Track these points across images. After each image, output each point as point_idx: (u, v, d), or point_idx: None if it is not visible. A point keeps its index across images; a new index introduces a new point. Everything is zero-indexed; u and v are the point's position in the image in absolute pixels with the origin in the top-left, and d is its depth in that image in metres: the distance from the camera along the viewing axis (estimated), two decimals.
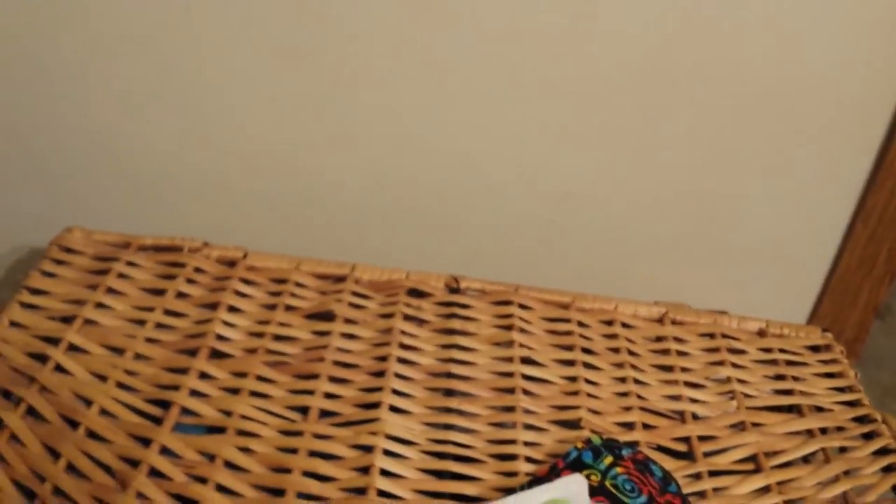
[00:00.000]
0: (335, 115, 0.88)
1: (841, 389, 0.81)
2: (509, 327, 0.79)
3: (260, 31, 0.83)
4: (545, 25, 0.83)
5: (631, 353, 0.80)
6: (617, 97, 0.87)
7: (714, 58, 0.85)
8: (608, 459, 0.65)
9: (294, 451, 0.63)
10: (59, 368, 0.67)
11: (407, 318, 0.79)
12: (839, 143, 0.91)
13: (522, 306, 0.83)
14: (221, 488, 0.60)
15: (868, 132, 0.91)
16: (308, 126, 0.88)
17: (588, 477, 0.63)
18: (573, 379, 0.75)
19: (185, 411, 0.66)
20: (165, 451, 0.62)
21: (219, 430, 0.65)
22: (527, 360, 0.77)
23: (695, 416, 0.76)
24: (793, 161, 0.92)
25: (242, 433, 0.64)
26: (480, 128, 0.89)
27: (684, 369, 0.80)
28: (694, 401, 0.77)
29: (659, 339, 0.83)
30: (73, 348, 0.70)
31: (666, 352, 0.81)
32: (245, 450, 0.63)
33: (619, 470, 0.64)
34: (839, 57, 0.86)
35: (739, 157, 0.92)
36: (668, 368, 0.80)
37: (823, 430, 0.76)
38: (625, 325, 0.84)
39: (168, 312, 0.75)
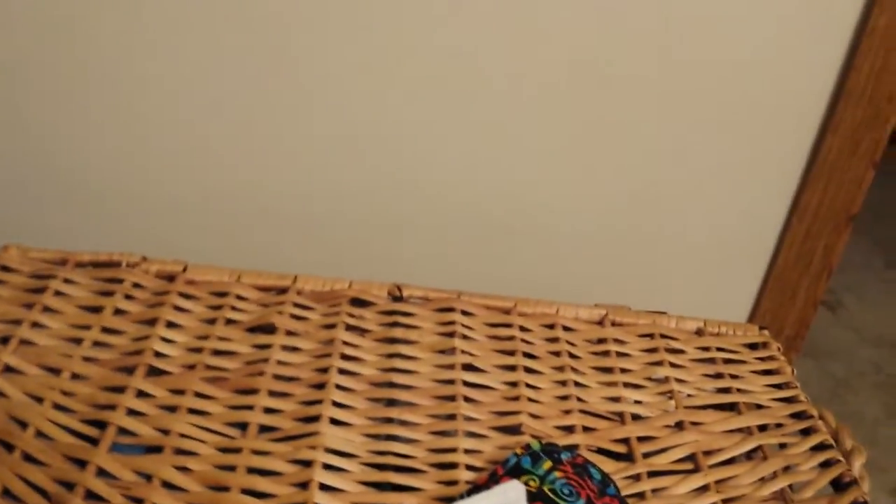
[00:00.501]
0: (273, 124, 0.87)
1: (778, 386, 0.83)
2: (451, 334, 0.80)
3: (204, 36, 0.82)
4: (492, 31, 0.83)
5: (572, 355, 0.81)
6: (556, 100, 0.88)
7: (650, 60, 0.86)
8: (547, 464, 0.65)
9: (232, 468, 0.63)
10: None
11: (349, 328, 0.79)
12: (773, 141, 0.93)
13: (465, 313, 0.83)
14: None
15: (801, 129, 0.93)
16: (247, 136, 0.88)
17: (527, 483, 0.63)
18: (514, 384, 0.76)
19: (122, 431, 0.65)
20: (102, 472, 0.62)
21: (156, 449, 0.64)
22: (468, 367, 0.77)
23: (634, 417, 0.77)
24: (728, 160, 0.94)
25: (180, 452, 0.64)
26: (422, 133, 0.89)
27: (624, 370, 0.81)
28: (634, 402, 0.78)
29: (599, 341, 0.84)
30: (8, 370, 0.69)
31: (606, 353, 0.83)
32: (183, 469, 0.63)
33: (557, 474, 0.65)
34: (772, 54, 0.87)
35: (675, 158, 0.93)
36: (608, 370, 0.81)
37: (762, 428, 0.78)
38: (566, 329, 0.85)
39: (105, 330, 0.74)
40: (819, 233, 0.99)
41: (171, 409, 0.67)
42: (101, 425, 0.65)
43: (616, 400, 0.78)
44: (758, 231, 0.99)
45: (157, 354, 0.72)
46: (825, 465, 0.74)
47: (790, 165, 0.95)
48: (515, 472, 0.65)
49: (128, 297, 0.77)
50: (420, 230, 0.95)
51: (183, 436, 0.65)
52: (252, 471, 0.63)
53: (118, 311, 0.76)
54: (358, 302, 0.83)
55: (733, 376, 0.83)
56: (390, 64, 0.85)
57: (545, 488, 0.63)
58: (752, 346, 0.88)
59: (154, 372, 0.71)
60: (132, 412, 0.67)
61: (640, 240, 0.98)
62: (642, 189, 0.94)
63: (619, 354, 0.83)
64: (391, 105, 0.87)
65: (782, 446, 0.76)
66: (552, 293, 0.91)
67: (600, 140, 0.91)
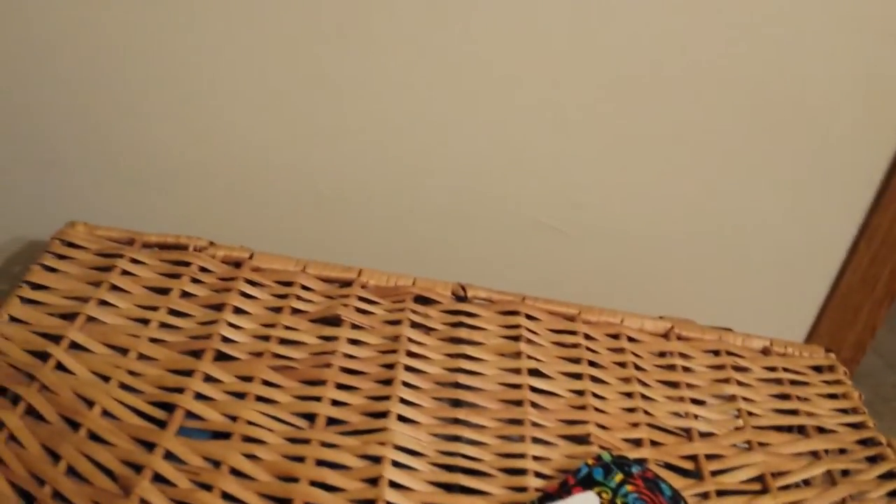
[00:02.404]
0: (345, 116, 0.86)
1: (845, 411, 0.81)
2: (517, 338, 0.79)
3: (267, 26, 0.81)
4: (554, 33, 0.82)
5: (637, 367, 0.80)
6: (628, 110, 0.87)
7: (726, 76, 0.85)
8: (619, 477, 0.64)
9: (301, 459, 0.62)
10: (60, 367, 0.66)
11: (414, 325, 0.78)
12: (846, 163, 0.92)
13: (529, 317, 0.82)
14: (227, 496, 0.59)
15: (875, 152, 0.91)
16: (316, 126, 0.87)
17: (599, 494, 0.62)
18: (581, 393, 0.75)
19: (190, 415, 0.64)
20: (170, 455, 0.61)
21: (224, 435, 0.63)
22: (534, 372, 0.76)
23: (701, 434, 0.75)
24: (800, 178, 0.92)
25: (248, 439, 0.63)
26: (490, 135, 0.88)
27: (690, 385, 0.79)
28: (700, 418, 0.76)
29: (664, 354, 0.83)
30: (74, 346, 0.68)
31: (672, 367, 0.81)
32: (251, 457, 0.62)
33: (629, 488, 0.63)
34: (850, 75, 0.85)
35: (747, 174, 0.91)
36: (674, 384, 0.79)
37: (828, 452, 0.76)
38: (630, 339, 0.84)
39: (172, 312, 0.73)
40: (886, 257, 0.97)
41: (240, 395, 0.66)
42: (169, 408, 0.64)
43: (683, 415, 0.76)
44: (824, 251, 0.97)
45: (225, 340, 0.71)
46: (894, 494, 0.72)
47: (862, 187, 0.93)
48: (587, 482, 0.63)
49: (194, 280, 0.77)
50: (486, 232, 0.94)
51: (251, 423, 0.64)
52: (321, 463, 0.62)
53: (185, 294, 0.75)
54: (422, 299, 0.81)
55: (800, 398, 0.81)
56: (461, 67, 0.84)
57: (618, 501, 0.62)
58: (818, 369, 0.86)
59: (221, 357, 0.70)
60: (200, 396, 0.66)
61: (704, 252, 0.96)
62: (711, 202, 0.93)
63: (685, 369, 0.81)
64: (463, 110, 0.86)
65: (848, 472, 0.74)
66: (614, 302, 0.90)
67: (672, 152, 0.89)
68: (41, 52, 0.83)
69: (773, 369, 0.84)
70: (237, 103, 0.86)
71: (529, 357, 0.77)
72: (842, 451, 0.77)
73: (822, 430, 0.78)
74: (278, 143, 0.88)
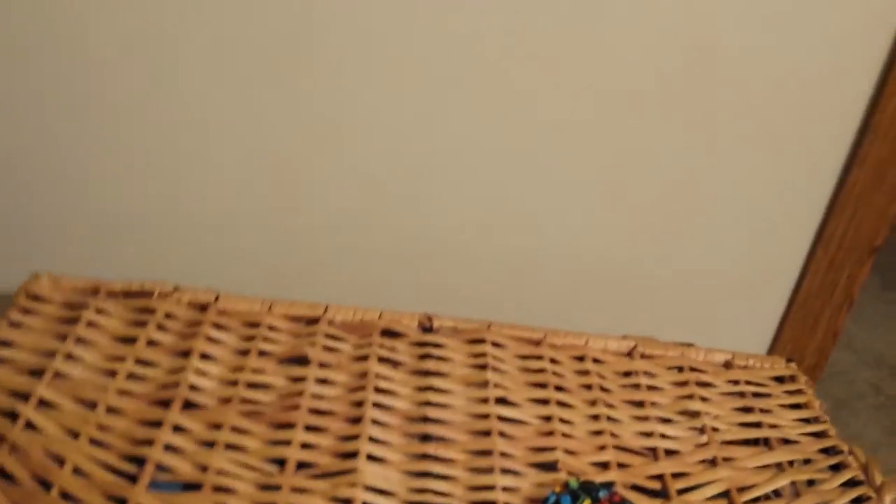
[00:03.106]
0: (305, 154, 0.87)
1: (807, 420, 0.83)
2: (483, 366, 0.80)
3: (225, 68, 0.82)
4: (516, 67, 0.83)
5: (603, 389, 0.81)
6: (583, 135, 0.88)
7: (674, 92, 0.86)
8: (586, 502, 0.65)
9: None
10: (30, 426, 0.66)
11: (382, 360, 0.79)
12: (800, 172, 0.94)
13: (495, 344, 0.83)
14: None
15: (827, 161, 0.93)
16: (277, 165, 0.88)
17: None
18: (548, 418, 0.76)
19: (160, 468, 0.65)
20: None
21: (195, 486, 0.64)
22: (502, 401, 0.77)
23: (667, 452, 0.77)
24: (755, 190, 0.94)
25: (219, 489, 0.64)
26: (451, 164, 0.89)
27: (654, 404, 0.81)
28: (666, 436, 0.78)
29: (628, 373, 0.84)
30: (43, 403, 0.68)
31: (636, 386, 0.83)
32: None
33: None
34: (799, 87, 0.88)
35: (701, 188, 0.93)
36: (640, 404, 0.81)
37: (792, 463, 0.78)
38: (595, 361, 0.85)
39: (140, 362, 0.74)
40: (843, 264, 1.00)
41: (209, 444, 0.67)
42: (139, 461, 0.65)
43: (649, 434, 0.78)
44: (782, 260, 0.99)
45: (193, 387, 0.72)
46: (857, 501, 0.74)
47: (816, 197, 0.95)
48: None
49: (160, 327, 0.77)
50: (451, 261, 0.95)
51: (221, 472, 0.65)
52: None
53: (151, 343, 0.76)
54: (389, 333, 0.82)
55: (763, 410, 0.83)
56: (423, 100, 0.85)
57: None
58: (780, 380, 0.88)
59: (190, 405, 0.70)
60: (169, 447, 0.66)
61: (663, 269, 0.98)
62: (666, 219, 0.94)
63: (650, 387, 0.83)
64: (424, 142, 0.87)
65: (812, 482, 0.76)
66: (579, 324, 0.91)
67: (627, 173, 0.91)
68: (1, 106, 0.83)
69: (735, 382, 0.86)
70: (198, 145, 0.86)
71: (497, 385, 0.78)
72: (806, 462, 0.78)
73: (785, 441, 0.80)
74: (239, 182, 0.89)
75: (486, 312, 0.93)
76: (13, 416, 0.66)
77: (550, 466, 0.71)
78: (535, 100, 0.86)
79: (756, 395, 0.85)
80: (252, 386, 0.73)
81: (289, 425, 0.70)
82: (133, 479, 0.64)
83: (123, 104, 0.84)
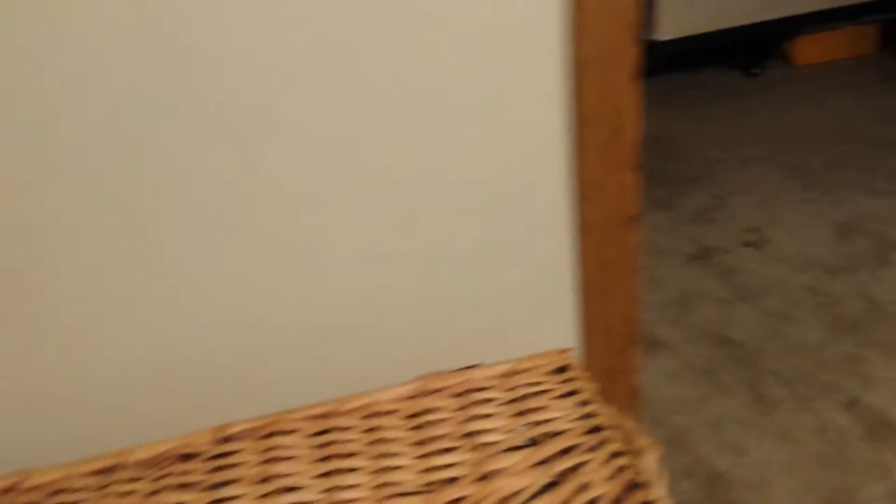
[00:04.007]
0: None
1: (580, 404, 0.89)
2: (271, 460, 0.86)
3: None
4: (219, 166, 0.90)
5: (388, 440, 0.88)
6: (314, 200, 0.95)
7: (408, 149, 0.93)
8: None
9: None
10: None
11: (176, 487, 0.85)
12: (532, 171, 0.99)
13: (286, 432, 0.90)
14: None
15: (550, 152, 0.99)
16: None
17: None
18: (331, 490, 0.82)
19: None
20: None
21: None
22: (287, 490, 0.83)
23: (447, 481, 0.83)
24: (495, 203, 1.00)
25: None
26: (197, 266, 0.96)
27: (436, 438, 0.87)
28: (447, 466, 0.84)
29: (415, 415, 0.91)
30: None
31: (420, 426, 0.89)
32: None
33: None
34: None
35: (448, 222, 0.99)
36: (423, 442, 0.87)
37: (564, 454, 0.84)
38: (388, 413, 0.91)
39: None
40: (611, 240, 1.05)
41: None
42: None
43: (430, 471, 0.84)
44: (552, 255, 1.05)
45: None
46: (620, 471, 0.80)
47: (556, 194, 1.01)
48: None
49: None
50: (236, 362, 1.02)
51: None
52: None
53: None
54: (186, 457, 0.89)
55: (537, 409, 0.89)
56: (167, 210, 0.92)
57: None
58: (559, 370, 0.94)
59: None
60: None
61: (447, 305, 1.04)
62: (428, 261, 1.01)
63: (434, 422, 0.89)
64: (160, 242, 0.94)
65: (577, 466, 0.82)
66: (378, 381, 0.97)
67: (376, 241, 0.97)
68: None
69: (514, 389, 0.92)
70: None
71: (284, 475, 0.85)
72: (571, 448, 0.84)
73: (555, 434, 0.86)
74: None
75: (285, 402, 0.99)
76: None
77: None
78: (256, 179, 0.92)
79: (534, 394, 0.91)
80: None
81: None
82: None
83: None
